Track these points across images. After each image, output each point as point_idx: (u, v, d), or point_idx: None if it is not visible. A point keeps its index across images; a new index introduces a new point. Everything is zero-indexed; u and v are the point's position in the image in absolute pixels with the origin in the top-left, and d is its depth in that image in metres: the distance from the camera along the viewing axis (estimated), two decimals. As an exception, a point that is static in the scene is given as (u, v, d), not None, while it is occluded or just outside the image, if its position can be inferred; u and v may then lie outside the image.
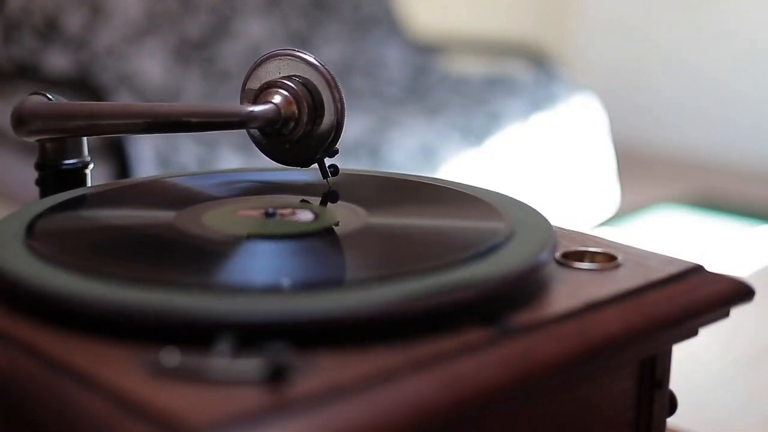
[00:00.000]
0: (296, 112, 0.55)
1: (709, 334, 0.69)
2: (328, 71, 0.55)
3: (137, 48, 2.07)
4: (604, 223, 2.43)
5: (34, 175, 0.60)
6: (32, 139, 0.58)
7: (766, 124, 3.17)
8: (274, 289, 0.42)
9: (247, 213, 0.52)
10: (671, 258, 0.51)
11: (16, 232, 0.48)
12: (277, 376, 0.35)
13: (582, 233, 0.54)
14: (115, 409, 0.34)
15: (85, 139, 0.60)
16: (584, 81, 2.96)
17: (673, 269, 0.49)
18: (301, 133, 0.56)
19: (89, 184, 0.60)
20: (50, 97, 0.57)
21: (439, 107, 2.12)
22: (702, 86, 3.29)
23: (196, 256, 0.46)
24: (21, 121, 0.57)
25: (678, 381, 0.58)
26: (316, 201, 0.55)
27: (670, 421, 0.51)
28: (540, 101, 2.24)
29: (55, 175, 0.59)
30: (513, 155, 2.09)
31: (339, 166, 0.59)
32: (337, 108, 0.55)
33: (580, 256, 0.50)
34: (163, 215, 0.51)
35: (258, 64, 0.57)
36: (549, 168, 2.17)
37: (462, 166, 1.97)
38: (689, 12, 3.28)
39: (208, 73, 2.18)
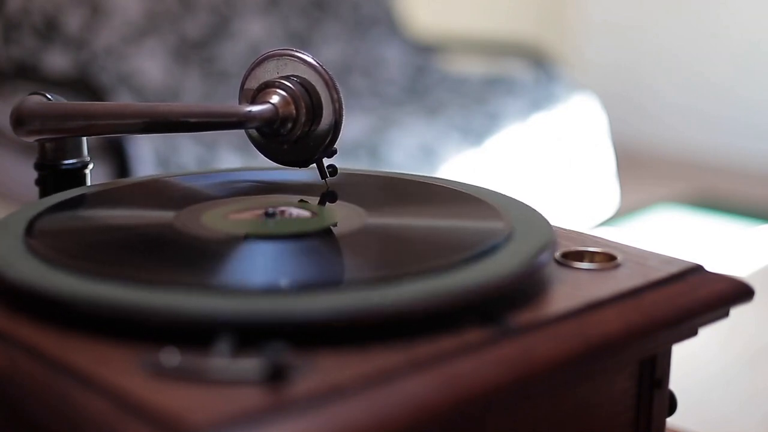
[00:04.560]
0: (294, 112, 0.55)
1: (708, 334, 0.69)
2: (326, 71, 0.55)
3: (137, 48, 2.07)
4: (603, 223, 2.43)
5: (34, 175, 0.60)
6: (31, 139, 0.58)
7: (766, 124, 3.17)
8: (273, 289, 0.42)
9: (247, 213, 0.52)
10: (671, 258, 0.51)
11: (16, 232, 0.48)
12: (276, 376, 0.35)
13: (581, 233, 0.54)
14: (115, 409, 0.34)
15: (84, 139, 0.60)
16: (584, 81, 2.96)
17: (672, 269, 0.49)
18: (299, 133, 0.55)
19: (89, 183, 0.60)
20: (50, 97, 0.57)
21: (438, 107, 2.12)
22: (702, 86, 3.29)
23: (196, 256, 0.46)
24: (20, 121, 0.57)
25: (678, 381, 0.58)
26: (315, 201, 0.55)
27: (670, 421, 0.51)
28: (540, 101, 2.24)
29: (55, 175, 0.59)
30: (513, 155, 2.09)
31: (338, 166, 0.59)
32: (336, 108, 0.55)
33: (580, 256, 0.50)
34: (163, 215, 0.51)
35: (256, 64, 0.57)
36: (548, 168, 2.17)
37: (462, 166, 1.97)
38: (689, 12, 3.28)
39: (208, 73, 2.18)
